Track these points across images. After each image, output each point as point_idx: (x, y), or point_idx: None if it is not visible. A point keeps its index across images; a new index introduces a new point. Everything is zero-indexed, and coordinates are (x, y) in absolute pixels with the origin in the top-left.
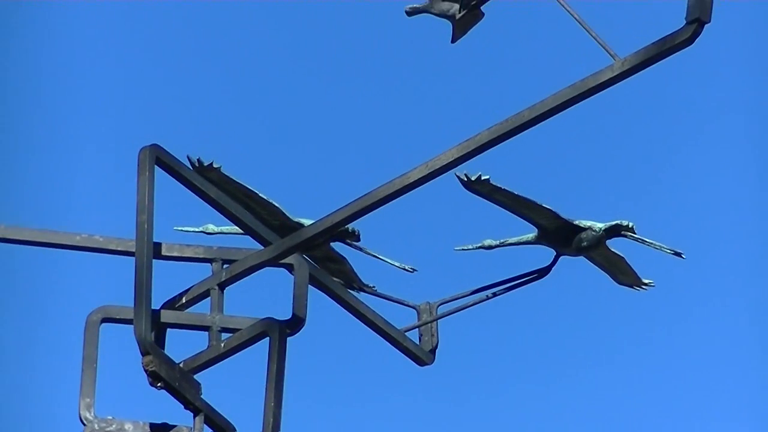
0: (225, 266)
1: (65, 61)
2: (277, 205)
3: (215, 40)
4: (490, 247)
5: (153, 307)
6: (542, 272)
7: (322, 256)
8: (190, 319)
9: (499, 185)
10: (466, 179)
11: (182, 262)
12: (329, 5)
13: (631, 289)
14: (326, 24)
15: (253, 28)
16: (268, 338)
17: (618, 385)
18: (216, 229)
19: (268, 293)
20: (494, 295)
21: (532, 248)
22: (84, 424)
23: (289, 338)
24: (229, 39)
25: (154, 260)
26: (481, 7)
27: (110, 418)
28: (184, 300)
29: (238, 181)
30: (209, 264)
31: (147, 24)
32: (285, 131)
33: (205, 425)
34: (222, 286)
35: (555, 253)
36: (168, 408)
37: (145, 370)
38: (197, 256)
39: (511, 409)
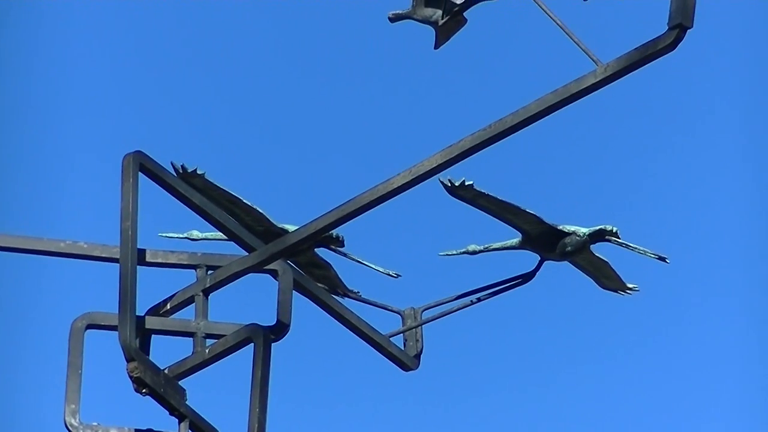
0: (209, 272)
1: (49, 66)
2: (261, 211)
3: (199, 47)
4: (474, 253)
5: (138, 314)
6: (526, 277)
7: (306, 261)
8: (174, 325)
9: (482, 190)
10: (449, 185)
11: (166, 269)
12: (311, 11)
13: (616, 293)
14: (309, 30)
15: (236, 35)
16: (252, 344)
17: (602, 389)
18: (200, 235)
19: (252, 299)
20: (479, 300)
21: (516, 253)
22: (69, 431)
23: (273, 344)
24: (213, 45)
25: (138, 267)
26: (464, 13)
27: (95, 424)
28: (168, 306)
29: (222, 187)
30: (194, 270)
31: (131, 29)
32: (269, 137)
33: (190, 431)
34: (206, 292)
35: (539, 258)
36: (153, 414)
37: (130, 377)
38: (181, 262)
39: (496, 413)
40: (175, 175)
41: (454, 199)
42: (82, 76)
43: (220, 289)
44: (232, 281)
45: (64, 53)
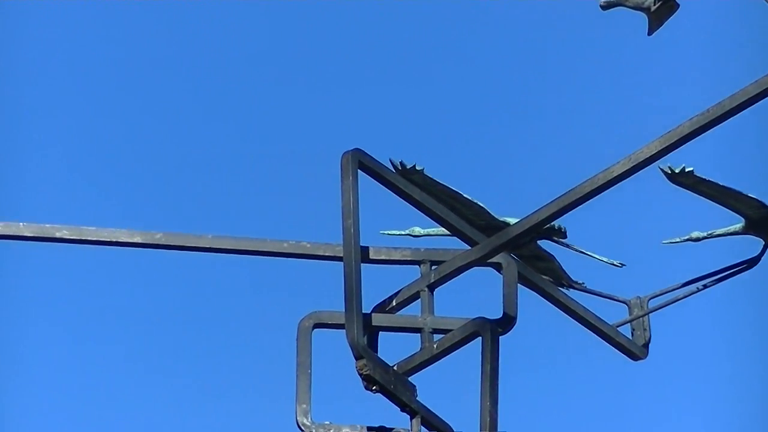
0: (433, 268)
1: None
2: (481, 204)
3: (420, 41)
4: (697, 239)
5: (364, 311)
6: (751, 262)
7: (529, 254)
8: (401, 321)
9: (703, 177)
10: (669, 172)
11: (389, 266)
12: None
13: None
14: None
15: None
16: (480, 338)
17: None
18: (422, 231)
19: (475, 293)
20: (704, 287)
21: (741, 238)
22: (302, 430)
23: (500, 337)
24: (432, 38)
25: (362, 264)
26: None
27: (327, 423)
28: (394, 303)
29: (441, 182)
30: (417, 266)
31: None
32: (485, 131)
33: (422, 427)
34: (431, 287)
35: (764, 243)
36: (384, 411)
37: (360, 374)
38: (405, 258)
39: (729, 398)
40: (393, 171)
41: (675, 186)
42: (287, 72)
43: (444, 284)
44: (456, 276)
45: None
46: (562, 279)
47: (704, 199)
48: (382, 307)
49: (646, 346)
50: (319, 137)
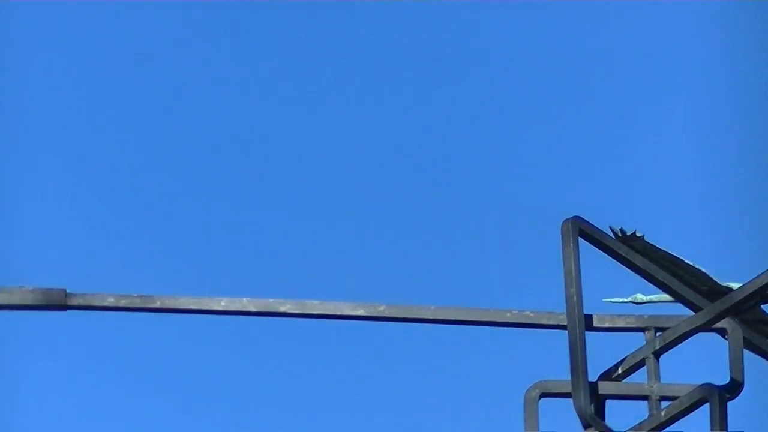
0: (657, 334)
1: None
2: (703, 270)
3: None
4: None
5: (590, 380)
6: None
7: (753, 318)
8: (628, 389)
9: None
10: None
11: (613, 333)
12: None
13: None
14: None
15: None
16: (707, 404)
17: None
18: (645, 298)
19: (696, 359)
20: None
21: None
22: None
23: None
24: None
25: (586, 332)
26: None
27: None
28: (620, 370)
29: (662, 248)
30: (641, 333)
31: None
32: (703, 195)
33: None
34: (657, 354)
35: None
36: None
37: None
38: (629, 325)
39: None
40: (614, 238)
41: None
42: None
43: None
44: (681, 342)
45: None
46: None
47: None
48: (608, 375)
49: None
50: (536, 205)
